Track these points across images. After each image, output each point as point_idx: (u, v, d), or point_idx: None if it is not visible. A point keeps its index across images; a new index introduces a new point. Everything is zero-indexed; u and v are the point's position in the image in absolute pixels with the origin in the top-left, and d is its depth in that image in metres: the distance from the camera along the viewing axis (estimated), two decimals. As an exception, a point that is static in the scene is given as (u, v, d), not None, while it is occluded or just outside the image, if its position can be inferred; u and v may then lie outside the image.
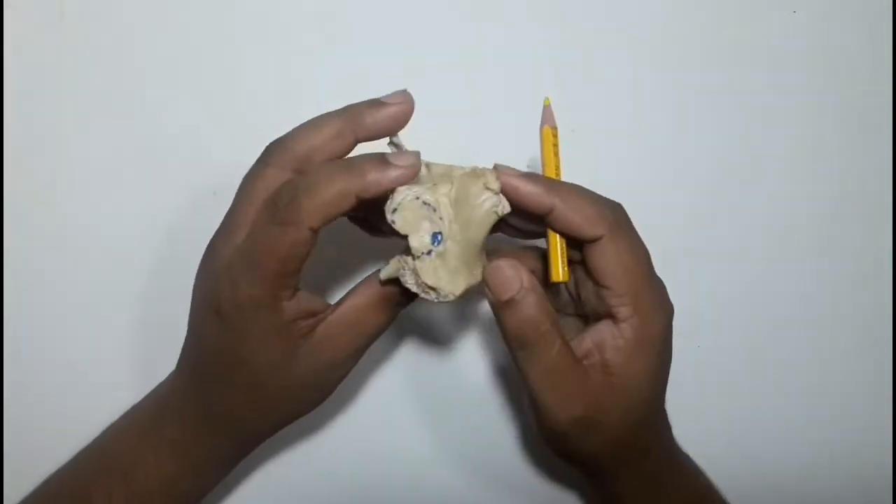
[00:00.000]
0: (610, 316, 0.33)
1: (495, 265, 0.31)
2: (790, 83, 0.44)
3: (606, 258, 0.32)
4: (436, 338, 0.43)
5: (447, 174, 0.32)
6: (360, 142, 0.31)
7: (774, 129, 0.44)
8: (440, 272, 0.31)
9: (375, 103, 0.31)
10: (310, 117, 0.31)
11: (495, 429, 0.43)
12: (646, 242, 0.43)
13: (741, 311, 0.44)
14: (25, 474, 0.35)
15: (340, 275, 0.41)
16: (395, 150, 0.32)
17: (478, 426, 0.42)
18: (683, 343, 0.43)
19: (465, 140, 0.42)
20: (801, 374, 0.44)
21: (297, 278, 0.30)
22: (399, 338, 0.42)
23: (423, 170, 0.32)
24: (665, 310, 0.33)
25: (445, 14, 0.42)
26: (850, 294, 0.44)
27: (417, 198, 0.30)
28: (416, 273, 0.31)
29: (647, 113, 0.43)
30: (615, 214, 0.33)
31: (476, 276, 0.32)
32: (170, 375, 0.35)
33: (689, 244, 0.43)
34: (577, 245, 0.33)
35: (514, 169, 0.32)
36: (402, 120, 0.32)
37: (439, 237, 0.31)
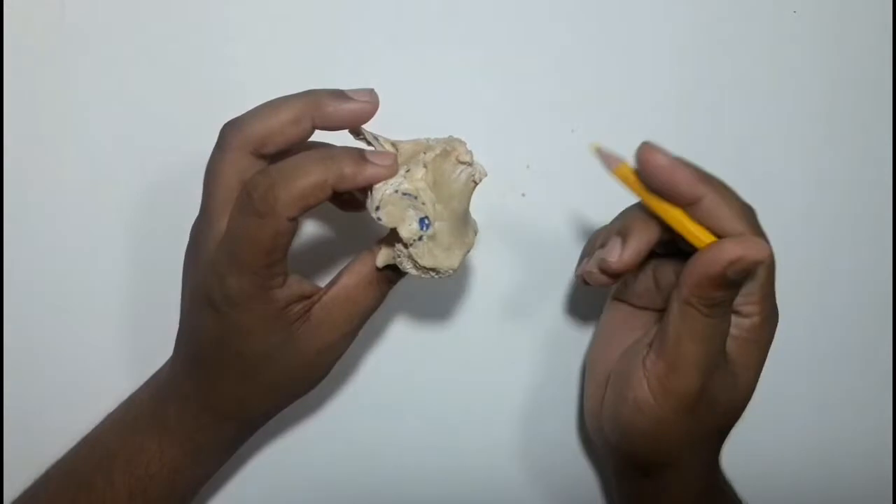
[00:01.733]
0: (735, 311, 0.33)
1: (751, 243, 0.30)
2: (790, 83, 0.44)
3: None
4: (431, 320, 0.43)
5: (416, 152, 0.32)
6: (317, 129, 0.31)
7: (774, 129, 0.44)
8: (435, 252, 0.32)
9: (339, 94, 0.31)
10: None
11: (490, 415, 0.43)
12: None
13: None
14: (23, 465, 0.35)
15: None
16: (372, 140, 0.32)
17: (473, 412, 0.43)
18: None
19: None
20: (800, 374, 0.44)
21: (284, 265, 0.30)
22: (393, 321, 0.42)
23: (392, 150, 0.32)
24: (777, 313, 0.34)
25: (445, 14, 0.42)
26: (850, 294, 0.44)
27: (396, 191, 0.31)
28: (412, 259, 0.32)
29: (647, 113, 0.43)
30: (752, 215, 0.33)
31: (468, 243, 0.33)
32: (167, 363, 0.35)
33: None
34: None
35: (662, 149, 0.31)
36: (364, 117, 0.31)
37: (426, 221, 0.31)
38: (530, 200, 0.42)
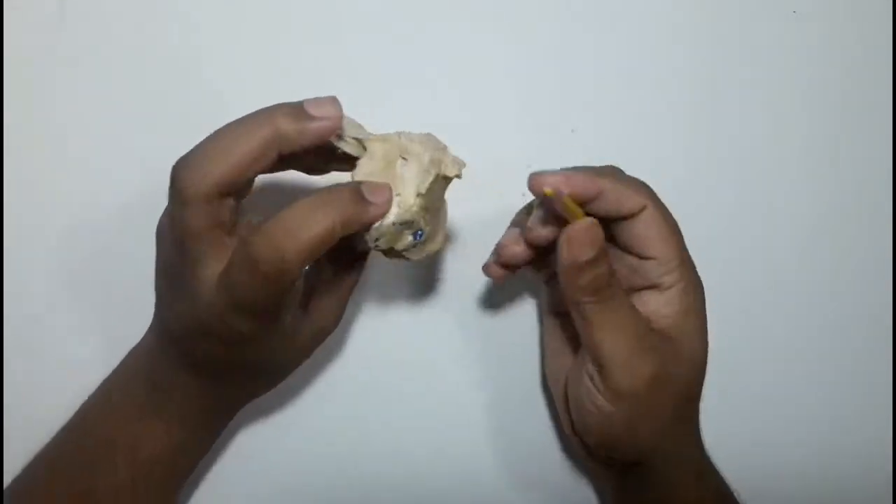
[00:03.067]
0: (654, 286, 0.33)
1: (579, 227, 0.30)
2: (790, 83, 0.44)
3: (651, 227, 0.32)
4: (430, 320, 0.43)
5: (392, 154, 0.31)
6: (282, 155, 0.29)
7: (774, 129, 0.44)
8: (425, 247, 0.33)
9: (299, 114, 0.29)
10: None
11: (489, 414, 0.43)
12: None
13: (741, 310, 0.44)
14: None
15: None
16: (348, 142, 0.31)
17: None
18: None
19: (464, 141, 0.41)
20: (800, 374, 0.44)
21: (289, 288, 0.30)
22: (391, 320, 0.42)
23: (363, 152, 0.31)
24: (700, 281, 0.34)
25: (444, 14, 0.42)
26: (850, 294, 0.44)
27: (393, 223, 0.30)
28: (405, 258, 0.33)
29: (647, 113, 0.43)
30: (648, 187, 0.33)
31: (442, 220, 0.34)
32: (150, 348, 0.35)
33: (689, 243, 0.43)
34: (610, 224, 0.33)
35: (549, 172, 0.31)
36: (329, 134, 0.29)
37: (420, 234, 0.32)
38: (530, 200, 0.42)
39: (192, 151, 0.29)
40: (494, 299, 0.43)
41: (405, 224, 0.31)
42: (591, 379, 0.32)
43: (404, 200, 0.31)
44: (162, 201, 0.41)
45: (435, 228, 0.33)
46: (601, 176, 0.32)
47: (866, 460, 0.44)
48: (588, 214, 0.31)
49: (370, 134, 0.32)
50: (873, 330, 0.44)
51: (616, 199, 0.32)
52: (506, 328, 0.42)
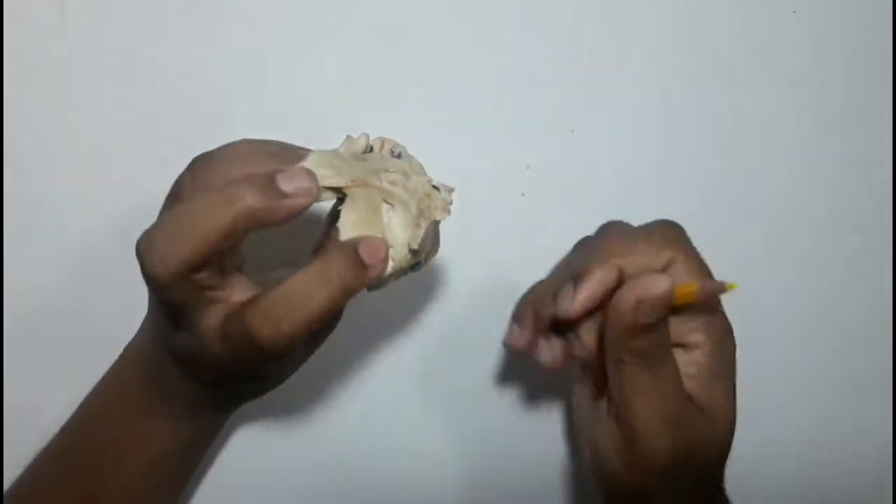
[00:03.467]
0: (679, 345, 0.31)
1: (649, 280, 0.28)
2: (790, 83, 0.44)
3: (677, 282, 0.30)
4: (429, 320, 0.43)
5: (370, 198, 0.29)
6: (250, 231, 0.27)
7: (774, 129, 0.44)
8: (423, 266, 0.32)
9: (272, 192, 0.26)
10: (287, 137, 0.30)
11: (485, 413, 0.43)
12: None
13: (742, 310, 0.44)
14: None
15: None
16: (331, 193, 0.29)
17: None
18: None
19: (463, 141, 0.42)
20: (800, 375, 0.44)
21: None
22: (389, 321, 0.42)
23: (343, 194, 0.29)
24: (731, 341, 0.32)
25: (444, 14, 0.42)
26: (850, 293, 0.44)
27: (391, 273, 0.29)
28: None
29: (647, 113, 0.43)
30: (674, 234, 0.31)
31: (435, 234, 0.32)
32: (145, 344, 0.34)
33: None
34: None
35: (567, 300, 0.30)
36: (302, 211, 0.27)
37: (417, 266, 0.31)
38: (530, 200, 0.42)
39: (155, 231, 0.27)
40: (496, 300, 0.43)
41: (401, 271, 0.30)
42: (612, 442, 0.31)
43: (397, 252, 0.29)
44: (162, 201, 0.41)
45: (429, 247, 0.32)
46: (612, 257, 0.30)
47: (866, 460, 0.44)
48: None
49: (348, 167, 0.29)
50: (874, 330, 0.44)
51: (638, 272, 0.30)
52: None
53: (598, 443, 0.32)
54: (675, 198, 0.43)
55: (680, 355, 0.31)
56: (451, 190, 0.31)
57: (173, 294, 0.27)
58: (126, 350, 0.35)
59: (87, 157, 0.41)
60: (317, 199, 0.28)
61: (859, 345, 0.44)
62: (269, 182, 0.26)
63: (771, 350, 0.44)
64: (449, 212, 0.30)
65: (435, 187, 0.30)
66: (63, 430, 0.35)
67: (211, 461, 0.41)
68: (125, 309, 0.37)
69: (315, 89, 0.41)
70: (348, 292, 0.27)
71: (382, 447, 0.42)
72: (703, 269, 0.32)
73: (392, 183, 0.29)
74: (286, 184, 0.27)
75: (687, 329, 0.31)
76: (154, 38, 0.41)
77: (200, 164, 0.30)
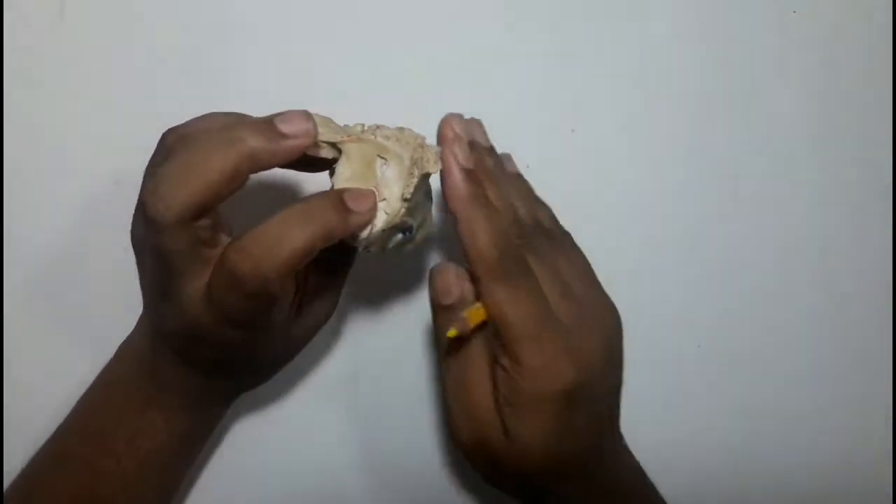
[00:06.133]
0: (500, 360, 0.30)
1: (442, 267, 0.30)
2: (790, 83, 0.44)
3: (487, 299, 0.29)
4: (428, 320, 0.42)
5: (365, 153, 0.30)
6: (252, 174, 0.28)
7: (774, 129, 0.44)
8: (416, 238, 0.33)
9: (270, 133, 0.28)
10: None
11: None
12: (645, 242, 0.43)
13: (742, 310, 0.44)
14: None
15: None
16: (323, 147, 0.30)
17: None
18: (684, 342, 0.43)
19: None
20: (800, 375, 0.44)
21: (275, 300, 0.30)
22: (389, 322, 0.42)
23: (338, 154, 0.30)
24: (567, 369, 0.29)
25: (444, 14, 0.42)
26: (850, 294, 0.44)
27: (383, 230, 0.30)
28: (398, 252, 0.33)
29: (647, 113, 0.43)
30: (506, 258, 0.30)
31: (429, 206, 0.33)
32: (140, 336, 0.35)
33: (690, 243, 0.43)
34: None
35: (463, 148, 0.31)
36: (300, 153, 0.28)
37: (410, 231, 0.31)
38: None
39: (159, 177, 0.27)
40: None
41: (394, 228, 0.31)
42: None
43: (391, 205, 0.30)
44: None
45: (423, 217, 0.33)
46: (472, 205, 0.30)
47: (866, 460, 0.44)
48: None
49: (343, 132, 0.30)
50: (874, 330, 0.44)
51: (462, 243, 0.31)
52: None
53: (478, 406, 0.31)
54: (675, 198, 0.43)
55: (500, 371, 0.30)
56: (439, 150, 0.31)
57: (171, 242, 0.27)
58: (121, 346, 0.36)
59: (87, 156, 0.41)
60: (314, 144, 0.28)
61: (859, 345, 0.44)
62: (268, 124, 0.28)
63: (771, 350, 0.44)
64: (440, 165, 0.30)
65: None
66: (62, 425, 0.35)
67: (207, 459, 0.41)
68: (124, 305, 0.37)
69: (314, 89, 0.41)
70: (328, 236, 0.28)
71: (383, 448, 0.42)
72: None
73: (386, 137, 0.30)
74: (285, 125, 0.28)
75: (500, 351, 0.30)
76: (154, 38, 0.41)
77: (172, 137, 0.30)
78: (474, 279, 0.30)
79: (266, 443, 0.42)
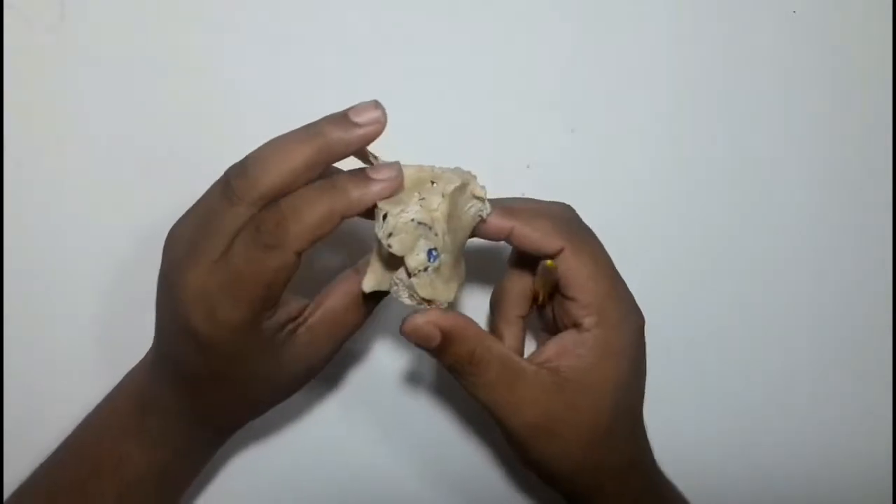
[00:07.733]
0: (575, 326, 0.33)
1: (411, 324, 0.31)
2: (790, 83, 0.44)
3: (569, 269, 0.32)
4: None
5: (422, 179, 0.31)
6: (329, 164, 0.31)
7: (774, 129, 0.44)
8: (436, 284, 0.31)
9: (346, 124, 0.30)
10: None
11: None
12: (646, 242, 0.43)
13: (742, 310, 0.44)
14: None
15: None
16: (373, 160, 0.31)
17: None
18: (684, 344, 0.43)
19: (464, 141, 0.42)
20: (801, 375, 0.44)
21: (279, 299, 0.30)
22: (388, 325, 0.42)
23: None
24: (633, 319, 0.34)
25: (444, 14, 0.42)
26: (850, 294, 0.44)
27: (412, 219, 0.30)
28: (411, 288, 0.31)
29: (647, 113, 0.43)
30: (571, 226, 0.33)
31: (461, 275, 0.33)
32: (146, 362, 0.35)
33: (690, 243, 0.43)
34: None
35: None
36: (374, 138, 0.30)
37: (434, 253, 0.30)
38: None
39: (246, 159, 0.30)
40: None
41: (423, 226, 0.30)
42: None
43: (428, 203, 0.30)
44: (163, 203, 0.41)
45: (450, 267, 0.31)
46: (514, 215, 0.32)
47: (866, 460, 0.44)
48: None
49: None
50: (874, 330, 0.44)
51: (527, 241, 0.32)
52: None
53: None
54: (676, 197, 0.43)
55: (572, 335, 0.33)
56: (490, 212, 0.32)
57: (235, 222, 0.29)
58: (128, 373, 0.36)
59: (87, 156, 0.41)
60: (376, 156, 0.31)
61: (859, 345, 0.44)
62: (342, 116, 0.30)
63: (771, 350, 0.44)
64: (483, 196, 0.31)
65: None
66: (58, 450, 0.35)
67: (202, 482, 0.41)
68: (125, 308, 0.37)
69: (315, 90, 0.41)
70: (349, 206, 0.29)
71: (384, 451, 0.42)
72: (592, 262, 0.33)
73: (443, 170, 0.31)
74: (358, 116, 0.30)
75: (583, 313, 0.33)
76: (154, 38, 0.41)
77: (234, 173, 0.30)
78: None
79: (267, 443, 0.42)
